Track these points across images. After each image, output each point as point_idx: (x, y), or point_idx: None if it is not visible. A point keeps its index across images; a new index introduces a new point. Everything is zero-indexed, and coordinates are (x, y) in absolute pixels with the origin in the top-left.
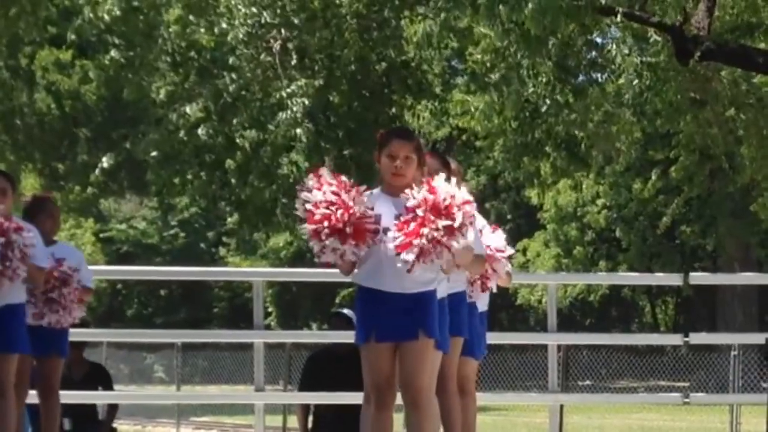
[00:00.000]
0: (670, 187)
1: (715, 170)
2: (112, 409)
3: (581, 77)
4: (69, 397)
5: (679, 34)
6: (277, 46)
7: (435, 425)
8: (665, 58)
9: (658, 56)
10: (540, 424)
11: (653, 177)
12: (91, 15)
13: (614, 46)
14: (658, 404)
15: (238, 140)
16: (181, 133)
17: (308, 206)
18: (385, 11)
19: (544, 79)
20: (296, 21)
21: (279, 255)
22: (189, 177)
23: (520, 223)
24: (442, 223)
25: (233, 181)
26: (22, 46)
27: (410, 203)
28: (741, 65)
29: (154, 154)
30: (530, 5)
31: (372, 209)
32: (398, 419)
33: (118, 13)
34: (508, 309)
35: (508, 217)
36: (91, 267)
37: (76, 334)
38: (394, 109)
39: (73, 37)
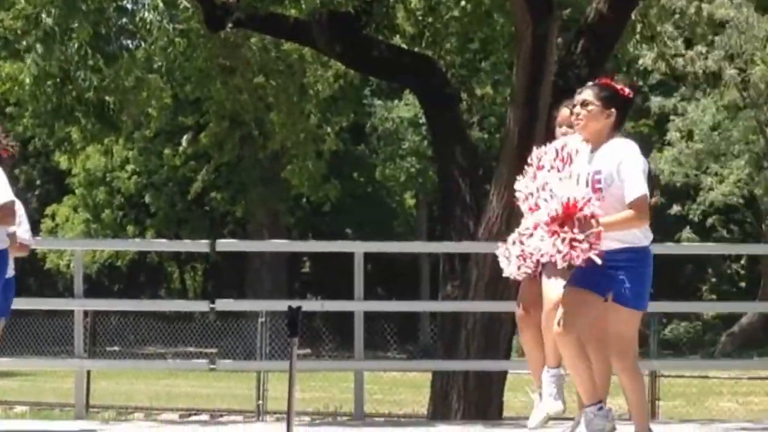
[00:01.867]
0: (200, 154)
1: (245, 137)
2: None
3: (113, 43)
4: None
5: (209, 2)
6: None
7: None
8: (196, 24)
9: (189, 23)
10: (68, 389)
11: (183, 143)
12: None
13: (146, 13)
14: (186, 370)
15: None
16: None
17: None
18: None
19: (75, 45)
20: None
21: None
22: None
23: (49, 188)
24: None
25: None
26: None
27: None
28: (271, 32)
29: None
30: None
31: None
32: None
33: None
34: (36, 274)
35: (38, 182)
36: None
37: None
38: None
39: None
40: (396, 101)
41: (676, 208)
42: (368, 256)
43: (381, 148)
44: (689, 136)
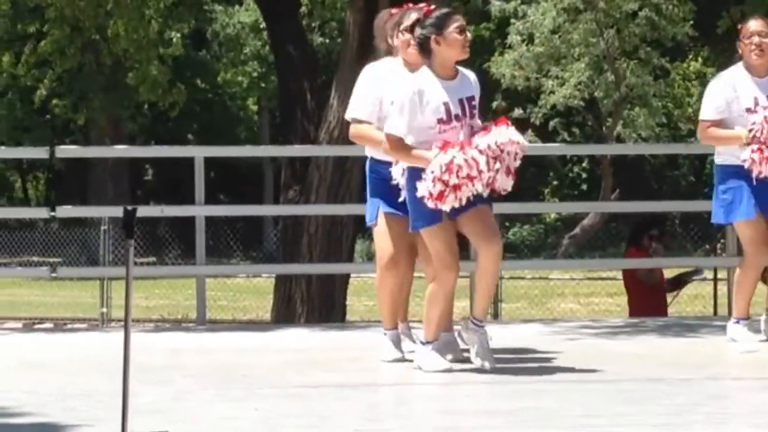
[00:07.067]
0: (41, 61)
1: (86, 43)
2: None
3: None
4: None
5: None
6: None
7: None
8: None
9: None
10: None
11: (26, 51)
12: None
13: None
14: (29, 279)
15: None
16: None
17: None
18: None
19: None
20: None
21: None
22: None
23: None
24: None
25: None
26: None
27: None
28: None
29: None
30: None
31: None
32: None
33: None
34: None
35: None
36: None
37: None
38: None
39: None
40: (236, 6)
41: (518, 112)
42: (211, 164)
43: (223, 53)
44: (530, 39)
